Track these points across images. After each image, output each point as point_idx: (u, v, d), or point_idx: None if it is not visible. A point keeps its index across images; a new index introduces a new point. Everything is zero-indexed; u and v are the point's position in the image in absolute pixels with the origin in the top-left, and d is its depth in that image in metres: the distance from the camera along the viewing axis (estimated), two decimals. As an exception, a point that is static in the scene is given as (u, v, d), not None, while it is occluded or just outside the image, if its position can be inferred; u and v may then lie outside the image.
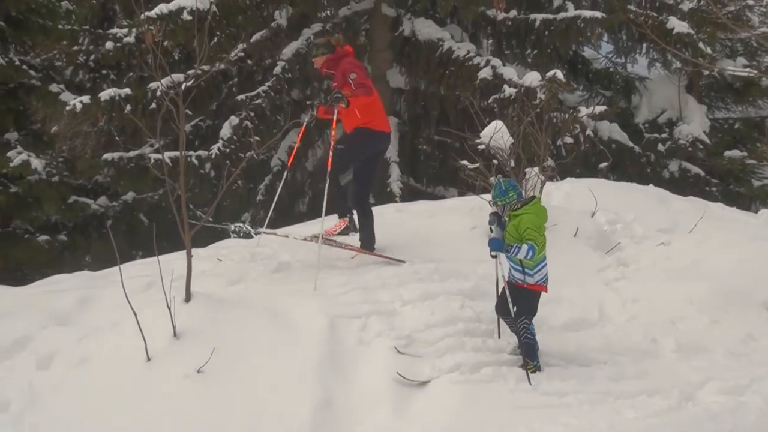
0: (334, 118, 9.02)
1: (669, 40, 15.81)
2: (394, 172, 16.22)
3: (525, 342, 7.29)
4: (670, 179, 17.05)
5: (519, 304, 7.29)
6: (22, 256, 14.68)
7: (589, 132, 15.52)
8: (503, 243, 7.18)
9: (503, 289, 7.39)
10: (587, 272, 9.37)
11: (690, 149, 17.46)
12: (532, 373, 7.14)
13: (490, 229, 7.47)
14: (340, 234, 9.36)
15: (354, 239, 9.43)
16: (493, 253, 7.28)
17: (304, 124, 9.97)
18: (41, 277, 10.32)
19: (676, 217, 10.98)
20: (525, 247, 7.06)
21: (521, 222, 7.22)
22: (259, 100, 15.63)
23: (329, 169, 8.85)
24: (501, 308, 7.49)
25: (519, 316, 7.27)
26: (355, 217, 9.42)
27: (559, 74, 13.83)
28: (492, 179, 10.12)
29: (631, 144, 17.28)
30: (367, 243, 9.37)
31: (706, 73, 17.79)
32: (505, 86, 14.75)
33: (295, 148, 10.54)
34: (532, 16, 16.72)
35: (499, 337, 7.71)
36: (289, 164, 11.09)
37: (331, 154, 8.81)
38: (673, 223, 10.71)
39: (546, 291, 7.45)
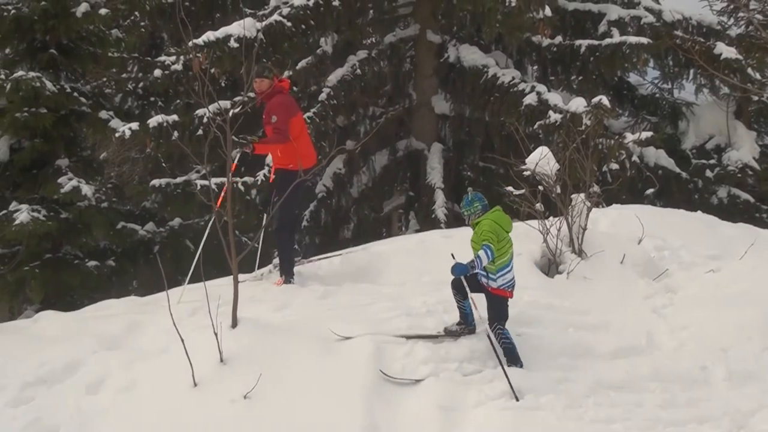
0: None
1: (717, 66, 15.68)
2: (439, 198, 16.18)
3: (504, 347, 7.58)
4: (718, 206, 16.83)
5: (490, 311, 7.70)
6: (72, 281, 14.77)
7: (635, 158, 15.40)
8: (466, 266, 7.48)
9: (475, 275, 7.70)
10: (635, 299, 9.29)
11: (739, 175, 17.22)
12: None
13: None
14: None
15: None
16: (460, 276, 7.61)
17: (234, 161, 10.02)
18: (90, 302, 10.47)
19: (726, 243, 10.84)
20: (481, 252, 7.39)
21: (480, 227, 7.65)
22: (305, 127, 15.72)
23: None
24: (458, 286, 7.77)
25: (492, 323, 7.61)
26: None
27: (605, 100, 13.74)
28: (538, 206, 10.10)
29: (678, 170, 17.10)
30: (287, 271, 9.82)
31: (756, 98, 17.58)
32: (551, 112, 14.68)
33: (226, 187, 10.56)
34: (578, 42, 16.68)
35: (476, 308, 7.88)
36: (218, 204, 9.70)
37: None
38: (722, 249, 10.57)
39: (511, 296, 7.75)
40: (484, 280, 7.67)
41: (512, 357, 7.55)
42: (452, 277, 7.76)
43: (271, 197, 9.30)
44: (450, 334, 7.89)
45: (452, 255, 7.64)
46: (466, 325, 7.93)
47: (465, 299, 7.81)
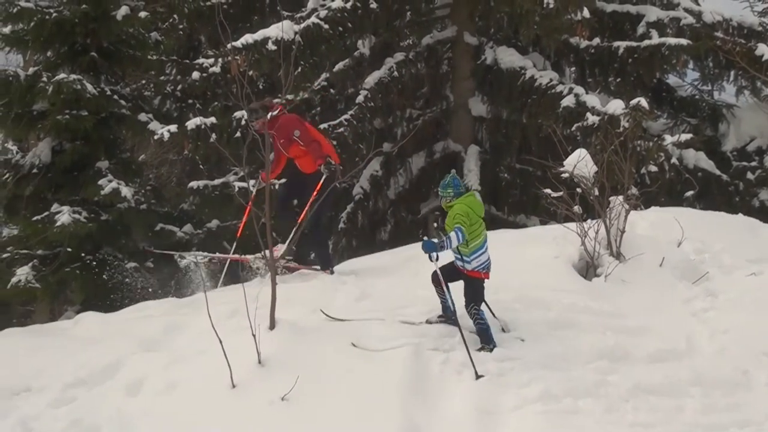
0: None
1: (758, 67, 15.50)
2: (476, 200, 16.13)
3: (479, 328, 7.85)
4: (760, 208, 16.60)
5: (467, 292, 7.95)
6: (112, 282, 14.89)
7: (674, 160, 15.26)
8: (435, 243, 7.71)
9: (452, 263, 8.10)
10: (674, 303, 9.19)
11: (782, 178, 17.03)
12: (489, 353, 7.68)
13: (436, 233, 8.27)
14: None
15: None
16: (432, 255, 7.78)
17: (251, 199, 10.37)
18: (129, 304, 10.54)
19: None
20: (453, 234, 7.69)
21: (452, 211, 7.99)
22: (342, 129, 15.73)
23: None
24: (435, 278, 8.04)
25: (468, 304, 7.89)
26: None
27: (643, 102, 13.64)
28: (576, 208, 10.04)
29: (718, 172, 16.90)
30: (325, 263, 10.44)
31: (799, 100, 17.36)
32: (588, 114, 14.59)
33: (242, 226, 10.97)
34: (616, 43, 16.55)
35: (506, 331, 8.25)
36: (238, 234, 11.09)
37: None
38: (764, 252, 10.41)
39: (487, 278, 8.01)
40: (459, 263, 8.00)
41: (485, 337, 7.82)
42: (432, 273, 8.05)
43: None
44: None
45: (425, 235, 7.93)
46: (447, 316, 8.14)
47: (444, 293, 8.06)
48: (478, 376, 7.27)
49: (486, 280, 8.01)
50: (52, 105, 14.65)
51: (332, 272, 10.27)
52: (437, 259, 7.81)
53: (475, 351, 7.58)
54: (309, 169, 10.31)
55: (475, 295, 7.92)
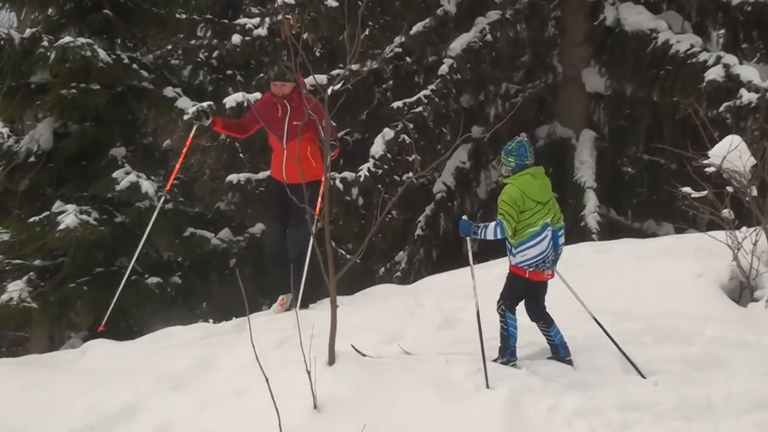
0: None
1: None
2: (590, 201, 16.03)
3: (501, 332, 8.06)
4: None
5: (504, 286, 8.21)
6: (128, 303, 14.87)
7: None
8: (471, 225, 8.02)
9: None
10: None
11: None
12: (503, 364, 7.87)
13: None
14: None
15: None
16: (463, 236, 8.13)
17: (193, 130, 11.46)
18: (150, 329, 10.61)
19: None
20: (492, 225, 7.96)
21: (501, 193, 8.10)
22: (420, 108, 15.74)
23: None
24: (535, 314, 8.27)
25: (498, 299, 8.13)
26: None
27: (820, 76, 13.45)
28: (725, 212, 9.88)
29: None
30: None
31: None
32: (743, 91, 14.39)
33: (180, 161, 11.90)
34: (781, -2, 16.31)
35: (644, 376, 7.92)
36: (167, 188, 12.06)
37: None
38: None
39: (538, 278, 8.08)
40: (509, 255, 8.16)
41: (504, 347, 8.02)
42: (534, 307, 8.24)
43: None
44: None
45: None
46: (558, 357, 8.16)
47: (550, 325, 8.16)
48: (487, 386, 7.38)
49: (539, 282, 8.12)
50: (55, 76, 14.81)
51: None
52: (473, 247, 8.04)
53: (492, 361, 7.75)
54: (313, 174, 10.17)
55: (509, 292, 8.13)
